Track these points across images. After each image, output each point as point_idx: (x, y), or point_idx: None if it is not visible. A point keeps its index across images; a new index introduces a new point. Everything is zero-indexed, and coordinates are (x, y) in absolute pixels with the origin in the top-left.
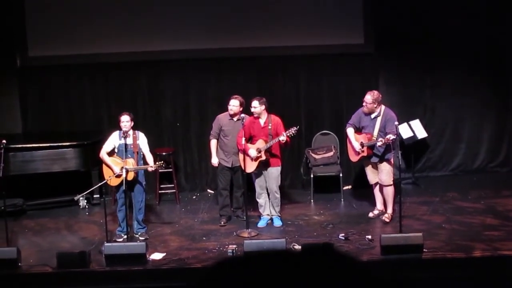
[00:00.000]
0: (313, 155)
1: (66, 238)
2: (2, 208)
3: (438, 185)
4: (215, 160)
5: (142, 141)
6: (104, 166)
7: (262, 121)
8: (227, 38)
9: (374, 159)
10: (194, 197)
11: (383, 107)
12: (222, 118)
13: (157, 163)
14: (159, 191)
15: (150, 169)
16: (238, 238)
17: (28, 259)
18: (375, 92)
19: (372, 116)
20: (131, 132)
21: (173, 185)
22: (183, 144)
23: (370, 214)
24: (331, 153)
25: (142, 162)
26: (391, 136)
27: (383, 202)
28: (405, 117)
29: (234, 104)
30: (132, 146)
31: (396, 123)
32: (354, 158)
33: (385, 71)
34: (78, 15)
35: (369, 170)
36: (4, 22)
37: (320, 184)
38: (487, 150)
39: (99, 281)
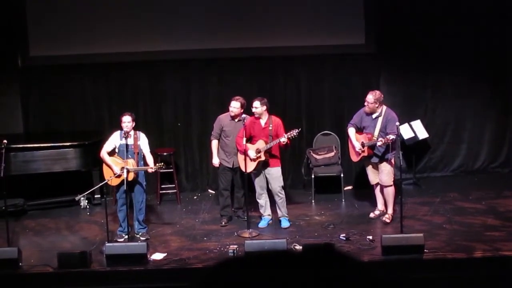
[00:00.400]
0: (314, 155)
1: (67, 238)
2: (3, 208)
3: (439, 186)
4: (216, 161)
5: (143, 141)
6: (104, 166)
7: (263, 121)
8: (228, 39)
9: (375, 159)
10: (195, 197)
11: (384, 107)
12: (223, 118)
13: (157, 164)
14: (160, 191)
15: (150, 170)
16: (239, 238)
17: (29, 259)
18: (377, 92)
19: (374, 116)
20: (132, 132)
21: (174, 185)
22: (184, 144)
23: (371, 215)
24: (332, 154)
25: (142, 162)
26: (391, 136)
27: (384, 203)
28: (406, 118)
29: (235, 106)
30: (133, 147)
31: (397, 123)
32: (355, 158)
33: (386, 72)
34: (79, 15)
35: (370, 170)
36: (6, 22)
37: (321, 184)
38: (488, 150)
39: (100, 281)
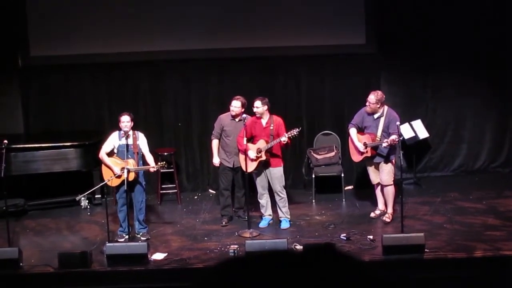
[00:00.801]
0: (314, 155)
1: (67, 238)
2: (4, 208)
3: (440, 185)
4: (216, 160)
5: (142, 141)
6: (103, 166)
7: (264, 121)
8: (228, 39)
9: (378, 160)
10: (195, 197)
11: (386, 107)
12: (224, 118)
13: (159, 163)
14: (161, 191)
15: (152, 169)
16: (239, 238)
17: (29, 259)
18: (379, 93)
19: (375, 116)
20: (131, 132)
21: (174, 185)
22: (185, 144)
23: (372, 214)
24: (332, 153)
25: (141, 162)
26: (396, 137)
27: (385, 202)
28: (406, 117)
29: (236, 105)
30: (132, 147)
31: (398, 123)
32: (356, 158)
33: (386, 71)
34: (79, 15)
35: (371, 170)
36: (6, 22)
37: (321, 184)
38: (488, 150)
39: (101, 281)
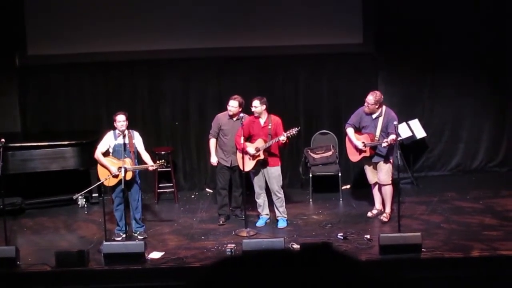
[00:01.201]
0: (312, 154)
1: (64, 237)
2: (1, 207)
3: (437, 185)
4: (214, 159)
5: (138, 140)
6: (99, 166)
7: (262, 120)
8: (226, 38)
9: (377, 159)
10: (192, 196)
11: (384, 107)
12: (222, 117)
13: (158, 162)
14: (158, 190)
15: (151, 168)
16: (236, 237)
17: (26, 258)
18: (377, 93)
19: (374, 116)
20: (126, 131)
21: (171, 184)
22: (182, 143)
23: (369, 214)
24: (330, 153)
25: (136, 161)
26: (395, 137)
27: (382, 202)
28: (404, 117)
29: (233, 105)
30: (128, 146)
31: (395, 122)
32: (354, 158)
33: (384, 71)
34: (77, 14)
35: (368, 169)
36: (4, 21)
37: (318, 183)
38: (486, 150)
39: (98, 280)
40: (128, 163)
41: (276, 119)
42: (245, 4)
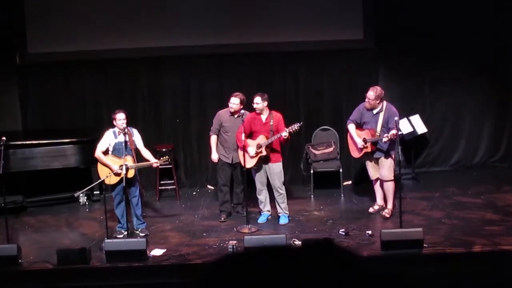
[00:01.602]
0: (313, 150)
1: (66, 235)
2: (3, 205)
3: (438, 181)
4: (215, 156)
5: (137, 137)
6: (99, 165)
7: (263, 117)
8: (226, 35)
9: (378, 155)
10: (194, 193)
11: (385, 102)
12: (223, 114)
13: (162, 158)
14: (159, 187)
15: (155, 165)
16: (238, 234)
17: (28, 256)
18: (378, 89)
19: (374, 111)
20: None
21: (173, 181)
22: (183, 140)
23: (370, 210)
24: (331, 149)
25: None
26: (396, 132)
27: (383, 198)
28: (405, 113)
29: (235, 102)
30: (129, 143)
31: (396, 118)
32: (356, 154)
33: (384, 67)
34: (77, 12)
35: (370, 165)
36: (4, 19)
37: (320, 179)
38: (487, 145)
39: (100, 278)
40: (129, 160)
41: (277, 115)
42: (245, 1)
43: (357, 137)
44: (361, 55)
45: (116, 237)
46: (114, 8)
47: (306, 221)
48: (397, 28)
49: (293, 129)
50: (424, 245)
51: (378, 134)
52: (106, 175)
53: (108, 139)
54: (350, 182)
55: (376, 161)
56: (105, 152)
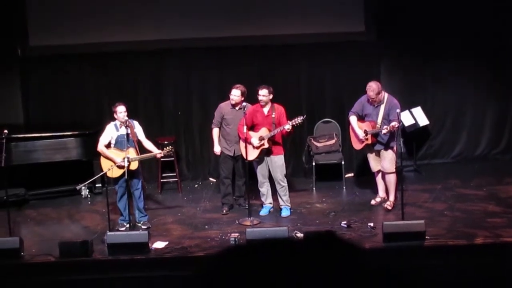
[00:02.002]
0: (315, 143)
1: (68, 228)
2: (5, 198)
3: (440, 173)
4: (217, 149)
5: (138, 129)
6: (102, 159)
7: (265, 109)
8: (228, 27)
9: (378, 147)
10: (196, 185)
11: (386, 94)
12: (224, 106)
13: (165, 148)
14: (161, 180)
15: (159, 155)
16: (240, 226)
17: (30, 248)
18: (373, 85)
19: (376, 104)
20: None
21: (175, 174)
22: (185, 133)
23: (372, 202)
24: (333, 141)
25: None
26: (396, 124)
27: (385, 190)
28: (406, 105)
29: (236, 94)
30: (131, 135)
31: (398, 110)
32: (357, 146)
33: (386, 59)
34: (79, 4)
35: (371, 157)
36: (5, 11)
37: (322, 172)
38: (489, 137)
39: (102, 270)
40: (131, 153)
41: (279, 108)
42: None
43: (358, 129)
44: (362, 47)
45: (118, 230)
46: (115, 1)
47: (308, 213)
48: (399, 20)
49: (296, 122)
50: (426, 237)
51: (379, 126)
52: (110, 166)
53: (110, 132)
54: (352, 174)
55: (377, 153)
56: (108, 146)
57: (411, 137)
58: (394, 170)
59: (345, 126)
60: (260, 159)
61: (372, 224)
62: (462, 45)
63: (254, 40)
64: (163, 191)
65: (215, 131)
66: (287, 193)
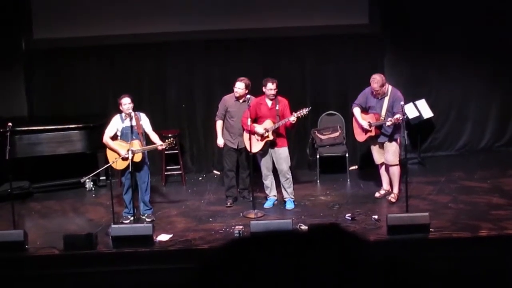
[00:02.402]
0: (319, 135)
1: (72, 220)
2: (9, 191)
3: (444, 165)
4: (220, 141)
5: (145, 121)
6: (108, 150)
7: (269, 102)
8: (232, 20)
9: (382, 139)
10: (200, 178)
11: (390, 87)
12: (228, 99)
13: (167, 140)
14: (165, 173)
15: (160, 147)
16: (244, 219)
17: (35, 241)
18: (377, 78)
19: (380, 96)
20: (132, 113)
21: (179, 167)
22: (189, 125)
23: (377, 194)
24: (337, 134)
25: (145, 142)
26: (400, 116)
27: (389, 182)
28: (410, 97)
29: (240, 87)
30: (136, 128)
31: (402, 103)
32: (360, 138)
33: (390, 51)
34: None
35: (375, 150)
36: (9, 5)
37: (326, 164)
38: (493, 129)
39: (106, 263)
40: (136, 145)
41: (283, 100)
42: None
43: (362, 120)
44: (366, 39)
45: (122, 223)
46: None
47: (312, 206)
48: (403, 12)
49: (301, 114)
50: (431, 229)
51: (383, 118)
52: (114, 158)
53: (116, 124)
54: (356, 167)
55: (381, 145)
56: (114, 138)
57: (415, 129)
58: (397, 163)
59: (349, 118)
60: (264, 151)
61: (376, 217)
62: (466, 37)
63: (258, 32)
64: (167, 183)
65: (219, 124)
66: (292, 185)
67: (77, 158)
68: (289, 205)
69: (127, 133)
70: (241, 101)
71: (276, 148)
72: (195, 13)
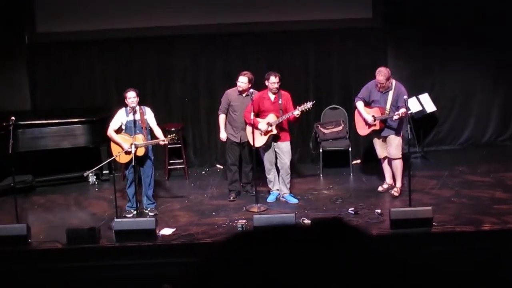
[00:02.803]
0: (322, 129)
1: (75, 214)
2: (12, 184)
3: (447, 159)
4: (223, 135)
5: (149, 115)
6: (112, 144)
7: (272, 96)
8: (235, 14)
9: (386, 133)
10: (203, 172)
11: (394, 81)
12: (231, 93)
13: (169, 136)
14: (168, 167)
15: (162, 142)
16: (247, 213)
17: (38, 235)
18: (383, 70)
19: (383, 90)
20: (137, 108)
21: (182, 161)
22: (192, 119)
23: (380, 188)
24: (340, 128)
25: (149, 136)
26: (406, 110)
27: (392, 176)
28: (413, 91)
29: (243, 81)
30: (140, 122)
31: (405, 97)
32: (363, 132)
33: (393, 46)
34: None
35: (377, 143)
36: None
37: (329, 158)
38: (496, 123)
39: (109, 257)
40: (140, 139)
41: (286, 94)
42: None
43: (366, 114)
44: (369, 34)
45: (125, 217)
46: None
47: (315, 200)
48: (406, 7)
49: (305, 108)
50: (434, 223)
51: (388, 112)
52: (117, 152)
53: (120, 117)
54: (359, 161)
55: (384, 139)
56: (119, 131)
57: (419, 123)
58: (400, 156)
59: (352, 112)
60: (267, 146)
61: (379, 211)
62: (470, 31)
63: (261, 26)
64: (170, 178)
65: (222, 118)
66: (289, 180)
67: (80, 152)
68: (293, 200)
69: (131, 127)
70: (244, 95)
71: (279, 142)
72: (198, 7)
